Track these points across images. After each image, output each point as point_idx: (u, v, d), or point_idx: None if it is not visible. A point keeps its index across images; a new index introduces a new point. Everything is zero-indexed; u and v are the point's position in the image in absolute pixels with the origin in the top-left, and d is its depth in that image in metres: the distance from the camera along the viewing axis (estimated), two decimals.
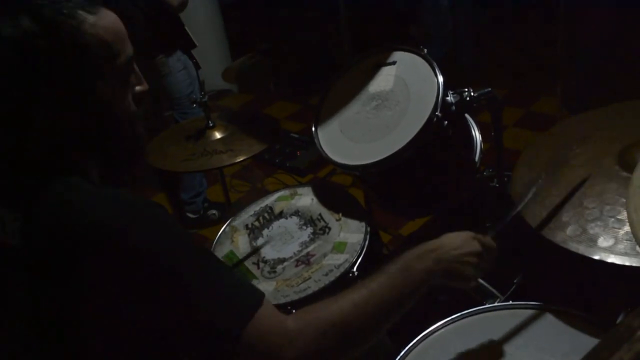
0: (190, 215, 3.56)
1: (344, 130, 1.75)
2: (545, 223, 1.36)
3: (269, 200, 1.99)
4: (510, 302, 1.40)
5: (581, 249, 1.24)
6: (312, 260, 1.68)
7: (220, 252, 1.82)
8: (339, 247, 1.69)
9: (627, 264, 1.18)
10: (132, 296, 0.92)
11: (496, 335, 1.31)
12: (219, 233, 1.91)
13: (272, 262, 1.72)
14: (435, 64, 1.65)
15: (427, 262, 1.14)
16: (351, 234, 1.73)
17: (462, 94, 1.60)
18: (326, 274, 1.61)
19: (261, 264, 1.73)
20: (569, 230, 1.29)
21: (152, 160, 2.10)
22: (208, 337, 0.95)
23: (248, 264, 1.74)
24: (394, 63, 1.79)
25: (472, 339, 1.32)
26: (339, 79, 1.89)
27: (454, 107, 1.59)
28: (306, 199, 1.94)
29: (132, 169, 1.15)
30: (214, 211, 3.61)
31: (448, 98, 1.59)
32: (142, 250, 0.92)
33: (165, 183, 3.75)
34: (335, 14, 3.93)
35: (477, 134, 1.78)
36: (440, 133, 1.57)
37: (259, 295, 1.00)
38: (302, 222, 1.85)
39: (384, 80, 1.77)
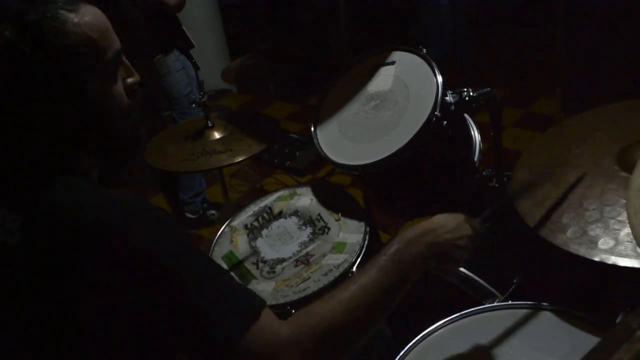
0: (190, 216, 3.56)
1: (343, 130, 1.75)
2: (543, 222, 1.36)
3: (268, 200, 1.99)
4: (510, 302, 1.40)
5: (582, 251, 1.24)
6: (311, 260, 1.68)
7: (220, 253, 1.82)
8: (338, 247, 1.69)
9: (628, 265, 1.17)
10: (131, 296, 0.92)
11: (495, 335, 1.31)
12: (218, 233, 1.91)
13: (271, 262, 1.72)
14: (434, 64, 1.65)
15: (419, 246, 1.13)
16: (350, 234, 1.73)
17: (461, 94, 1.60)
18: (325, 274, 1.61)
19: (260, 264, 1.73)
20: (570, 233, 1.29)
21: (151, 160, 2.09)
22: (205, 343, 0.94)
23: (247, 264, 1.74)
24: (393, 63, 1.78)
25: (472, 339, 1.32)
26: (338, 79, 1.89)
27: (453, 107, 1.59)
28: (305, 199, 1.94)
29: (130, 163, 1.15)
30: (213, 211, 3.61)
31: (447, 98, 1.59)
32: (142, 251, 0.92)
33: (164, 183, 3.75)
34: (335, 14, 3.94)
35: (476, 134, 1.78)
36: (439, 133, 1.56)
37: (259, 304, 0.99)
38: (301, 222, 1.84)
39: (382, 80, 1.77)
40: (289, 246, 1.76)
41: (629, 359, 0.72)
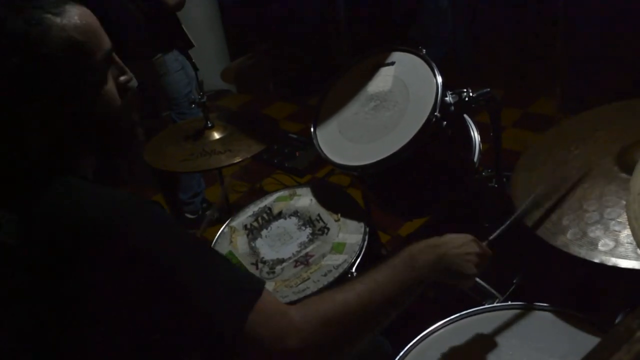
0: (189, 216, 3.56)
1: (342, 130, 1.75)
2: (541, 222, 1.36)
3: (268, 200, 1.99)
4: (509, 303, 1.40)
5: (582, 253, 1.24)
6: (310, 260, 1.68)
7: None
8: (338, 248, 1.69)
9: (628, 266, 1.17)
10: (131, 294, 0.92)
11: (495, 335, 1.31)
12: (218, 234, 1.91)
13: (270, 262, 1.72)
14: (434, 65, 1.65)
15: (430, 256, 1.16)
16: (350, 234, 1.73)
17: (460, 94, 1.60)
18: (325, 275, 1.61)
19: (260, 265, 1.73)
20: (570, 234, 1.29)
21: (151, 161, 2.10)
22: (210, 328, 0.94)
23: (247, 264, 1.74)
24: (392, 63, 1.78)
25: (471, 339, 1.32)
26: (338, 79, 1.89)
27: (452, 108, 1.59)
28: (305, 199, 1.94)
29: (128, 163, 1.16)
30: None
31: (447, 98, 1.59)
32: (141, 248, 0.92)
33: (164, 183, 3.75)
34: (335, 14, 3.94)
35: (475, 135, 1.78)
36: (439, 134, 1.56)
37: (259, 284, 1.00)
38: (300, 223, 1.84)
39: (382, 80, 1.77)
40: (288, 247, 1.76)
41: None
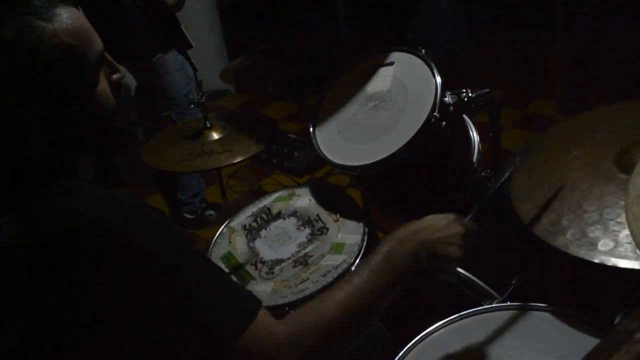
0: (188, 216, 3.56)
1: (341, 131, 1.75)
2: (537, 219, 1.36)
3: (267, 201, 1.99)
4: (509, 303, 1.40)
5: (582, 253, 1.24)
6: (310, 261, 1.68)
7: (218, 253, 1.82)
8: (337, 248, 1.69)
9: (628, 267, 1.17)
10: (129, 296, 0.92)
11: (494, 336, 1.31)
12: (217, 234, 1.90)
13: (269, 263, 1.72)
14: (433, 65, 1.65)
15: (412, 245, 1.15)
16: (349, 234, 1.73)
17: (460, 94, 1.60)
18: (324, 275, 1.60)
19: (259, 265, 1.73)
20: (569, 234, 1.29)
21: (150, 161, 2.09)
22: (203, 342, 0.95)
23: (246, 265, 1.74)
24: (392, 64, 1.78)
25: (471, 339, 1.31)
26: (337, 79, 1.89)
27: (452, 108, 1.59)
28: (304, 199, 1.94)
29: (127, 163, 1.16)
30: (211, 212, 3.61)
31: (446, 99, 1.59)
32: (140, 252, 0.92)
33: (163, 183, 3.75)
34: (334, 14, 3.93)
35: (475, 135, 1.78)
36: (438, 134, 1.56)
37: (256, 303, 1.00)
38: (300, 223, 1.84)
39: (381, 81, 1.77)
40: (287, 247, 1.76)
41: None
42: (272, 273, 1.68)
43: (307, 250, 1.72)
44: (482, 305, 1.43)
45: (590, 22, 3.53)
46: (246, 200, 2.19)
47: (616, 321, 1.28)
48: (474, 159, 1.73)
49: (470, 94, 1.59)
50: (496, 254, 1.72)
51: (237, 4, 5.55)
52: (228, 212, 2.05)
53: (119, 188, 1.00)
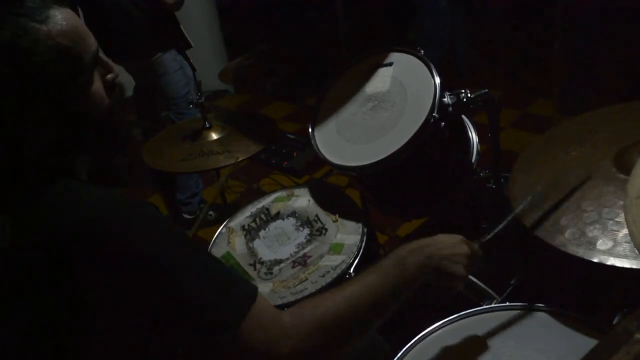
0: (186, 216, 3.56)
1: (340, 131, 1.74)
2: (540, 223, 1.36)
3: (266, 201, 1.99)
4: (507, 304, 1.40)
5: (580, 252, 1.24)
6: (308, 261, 1.68)
7: (217, 254, 1.81)
8: (336, 249, 1.68)
9: (626, 266, 1.18)
10: (128, 294, 0.92)
11: (493, 336, 1.31)
12: (216, 234, 1.90)
13: (268, 263, 1.72)
14: (432, 65, 1.65)
15: (420, 257, 1.16)
16: (348, 235, 1.72)
17: (459, 95, 1.60)
18: (323, 275, 1.60)
19: (258, 265, 1.72)
20: (568, 234, 1.29)
21: (149, 161, 2.09)
22: (205, 332, 0.95)
23: (244, 265, 1.74)
24: (390, 64, 1.78)
25: (469, 340, 1.32)
26: (336, 80, 1.89)
27: (451, 109, 1.59)
28: (303, 200, 1.94)
29: (125, 162, 1.16)
30: (210, 212, 3.60)
31: (445, 99, 1.58)
32: (137, 248, 0.92)
33: (162, 183, 3.75)
34: (333, 15, 3.94)
35: (474, 135, 1.78)
36: (437, 134, 1.56)
37: (253, 289, 1.01)
38: (298, 223, 1.84)
39: (380, 81, 1.77)
40: (286, 247, 1.76)
41: None
42: (271, 273, 1.68)
43: (306, 250, 1.72)
44: (481, 306, 1.44)
45: (590, 22, 3.53)
46: (245, 200, 2.19)
47: (615, 321, 1.28)
48: (473, 160, 1.73)
49: (469, 95, 1.59)
50: (495, 254, 1.72)
51: (236, 4, 5.55)
52: (227, 212, 2.05)
53: (117, 188, 1.00)
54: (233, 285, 1.00)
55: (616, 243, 1.22)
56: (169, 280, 0.93)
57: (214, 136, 2.13)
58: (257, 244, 1.82)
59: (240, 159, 1.97)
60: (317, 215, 1.84)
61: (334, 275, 1.59)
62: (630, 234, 0.95)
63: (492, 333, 1.32)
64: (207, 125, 2.16)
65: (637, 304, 1.07)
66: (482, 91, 1.60)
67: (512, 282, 1.57)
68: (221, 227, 1.93)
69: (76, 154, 1.06)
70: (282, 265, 1.70)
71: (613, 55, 3.58)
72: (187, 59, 3.35)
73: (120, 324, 0.94)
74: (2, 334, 0.98)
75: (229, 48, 5.50)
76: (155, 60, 3.24)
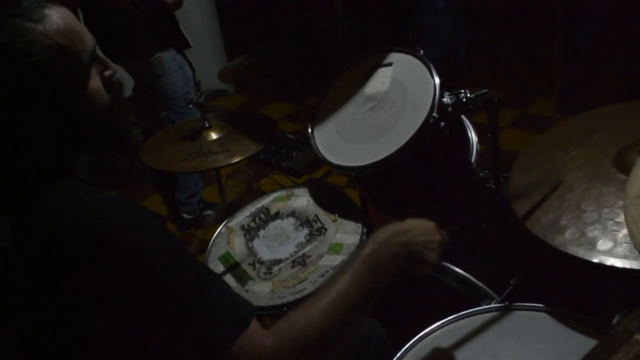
0: (186, 216, 3.56)
1: (340, 131, 1.74)
2: (530, 214, 1.36)
3: (265, 201, 1.99)
4: (507, 304, 1.40)
5: (580, 253, 1.24)
6: (308, 261, 1.68)
7: (217, 253, 1.82)
8: (335, 249, 1.68)
9: (627, 266, 1.17)
10: (123, 300, 0.92)
11: (493, 336, 1.31)
12: (215, 234, 1.90)
13: (268, 263, 1.72)
14: (431, 66, 1.64)
15: (394, 246, 1.15)
16: (347, 235, 1.72)
17: (458, 95, 1.59)
18: (322, 275, 1.60)
19: (257, 265, 1.72)
20: (568, 234, 1.29)
21: (148, 161, 2.09)
22: (195, 350, 0.95)
23: (244, 265, 1.74)
24: (390, 64, 1.78)
25: (469, 340, 1.31)
26: (336, 80, 1.89)
27: (450, 109, 1.59)
28: (302, 199, 1.94)
29: (125, 163, 1.16)
30: (209, 212, 3.60)
31: (444, 99, 1.58)
32: (134, 256, 0.92)
33: (161, 183, 3.74)
34: (333, 15, 3.93)
35: (473, 136, 1.78)
36: (436, 134, 1.56)
37: (250, 313, 1.01)
38: (298, 223, 1.84)
39: (380, 81, 1.77)
40: (285, 247, 1.76)
41: None
42: (270, 273, 1.68)
43: (305, 250, 1.72)
44: (481, 306, 1.43)
45: (590, 22, 3.53)
46: (244, 200, 2.19)
47: (615, 321, 1.28)
48: (473, 160, 1.73)
49: (468, 95, 1.59)
50: (495, 254, 1.72)
51: (235, 4, 5.55)
52: (226, 212, 2.05)
53: (117, 189, 1.00)
54: (230, 306, 1.01)
55: (616, 243, 1.22)
56: (162, 289, 0.94)
57: (214, 136, 2.13)
58: (256, 243, 1.82)
59: (239, 159, 1.96)
60: (316, 215, 1.84)
61: None
62: (630, 233, 0.95)
63: (492, 333, 1.32)
64: (207, 125, 2.16)
65: (637, 304, 1.07)
66: (482, 91, 1.60)
67: (511, 282, 1.57)
68: (221, 226, 1.93)
69: (76, 154, 1.05)
70: (281, 265, 1.70)
71: (613, 55, 3.58)
72: (186, 58, 3.34)
73: (119, 324, 0.94)
74: (2, 334, 0.98)
75: (229, 48, 5.49)
76: (154, 60, 3.23)
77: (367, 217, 1.85)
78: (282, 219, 1.89)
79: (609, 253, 1.21)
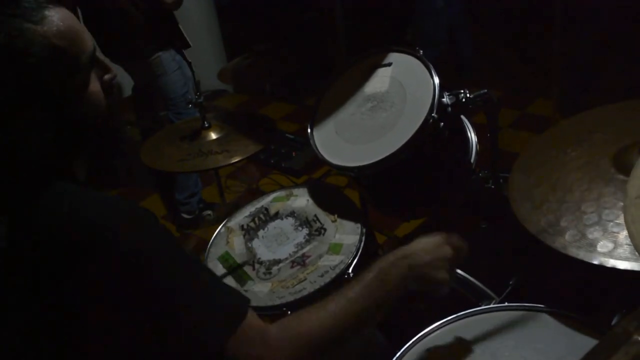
0: (185, 216, 3.56)
1: (339, 131, 1.74)
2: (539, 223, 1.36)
3: (265, 201, 1.99)
4: (506, 304, 1.39)
5: (581, 255, 1.24)
6: (307, 261, 1.67)
7: (216, 253, 1.81)
8: (335, 249, 1.68)
9: (628, 268, 1.17)
10: (119, 299, 0.92)
11: (492, 337, 1.31)
12: (215, 234, 1.90)
13: (267, 263, 1.72)
14: (431, 66, 1.64)
15: (402, 269, 1.16)
16: (347, 235, 1.72)
17: (458, 95, 1.60)
18: (322, 275, 1.60)
19: (256, 265, 1.72)
20: (568, 236, 1.29)
21: (147, 161, 2.09)
22: (192, 344, 0.96)
23: (243, 265, 1.74)
24: (389, 64, 1.78)
25: (468, 340, 1.31)
26: (335, 80, 1.89)
27: (450, 109, 1.59)
28: (302, 200, 1.94)
29: (124, 163, 1.16)
30: (209, 212, 3.60)
31: (444, 99, 1.58)
32: (130, 256, 0.92)
33: (161, 183, 3.74)
34: (332, 15, 3.93)
35: (472, 136, 1.78)
36: (436, 135, 1.56)
37: (245, 305, 1.02)
38: (297, 223, 1.84)
39: (379, 81, 1.77)
40: (285, 247, 1.76)
41: None
42: (270, 273, 1.68)
43: (304, 250, 1.72)
44: (480, 306, 1.43)
45: (590, 22, 3.53)
46: (244, 200, 2.19)
47: (614, 322, 1.28)
48: (472, 160, 1.73)
49: (468, 95, 1.59)
50: (494, 255, 1.72)
51: (235, 4, 5.54)
52: (226, 212, 2.05)
53: (116, 189, 1.00)
54: (226, 300, 1.01)
55: (617, 245, 1.21)
56: (159, 286, 0.94)
57: (213, 136, 2.13)
58: (256, 243, 1.81)
59: (239, 159, 1.96)
60: (315, 215, 1.83)
61: (333, 275, 1.59)
62: (630, 234, 0.95)
63: (491, 334, 1.31)
64: (206, 125, 2.16)
65: (637, 304, 1.07)
66: (482, 91, 1.60)
67: (510, 282, 1.57)
68: (220, 226, 1.93)
69: (74, 156, 1.05)
70: (280, 265, 1.69)
71: (613, 55, 3.58)
72: (185, 58, 3.34)
73: (118, 325, 0.94)
74: (2, 334, 0.98)
75: (228, 48, 5.49)
76: (153, 61, 3.23)
77: (366, 218, 1.85)
78: (282, 219, 1.89)
79: (610, 255, 1.21)
